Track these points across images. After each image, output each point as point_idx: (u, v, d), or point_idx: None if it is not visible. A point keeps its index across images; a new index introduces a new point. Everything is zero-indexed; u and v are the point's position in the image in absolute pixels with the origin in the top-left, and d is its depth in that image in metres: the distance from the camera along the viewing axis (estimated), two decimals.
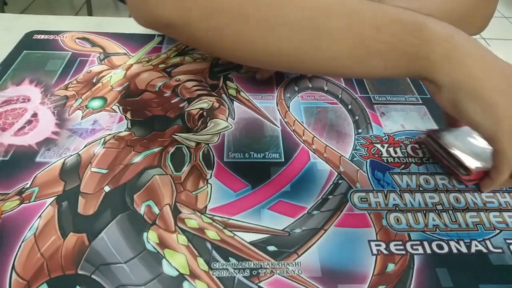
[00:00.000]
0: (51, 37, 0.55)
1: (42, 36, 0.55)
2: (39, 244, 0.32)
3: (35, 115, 0.43)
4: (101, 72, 0.49)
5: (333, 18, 0.28)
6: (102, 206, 0.34)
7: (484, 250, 0.34)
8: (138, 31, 0.56)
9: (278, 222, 0.34)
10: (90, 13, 1.81)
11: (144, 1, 0.27)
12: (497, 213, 0.36)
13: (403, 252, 0.33)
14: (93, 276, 0.30)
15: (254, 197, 0.36)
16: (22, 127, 0.42)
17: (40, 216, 0.33)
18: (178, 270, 0.31)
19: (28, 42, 0.54)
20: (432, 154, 0.41)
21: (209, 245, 0.32)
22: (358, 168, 0.40)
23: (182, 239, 0.33)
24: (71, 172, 0.37)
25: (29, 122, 0.42)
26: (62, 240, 0.32)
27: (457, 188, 0.39)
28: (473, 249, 0.34)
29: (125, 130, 0.42)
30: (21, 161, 0.38)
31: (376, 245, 0.33)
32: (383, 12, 0.29)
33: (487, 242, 0.34)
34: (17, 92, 0.46)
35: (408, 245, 0.33)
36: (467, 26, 0.37)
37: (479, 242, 0.34)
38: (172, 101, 0.46)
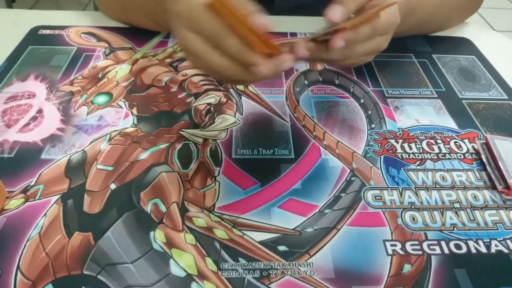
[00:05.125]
0: (56, 32, 0.54)
1: (47, 31, 0.54)
2: (44, 244, 0.31)
3: (40, 111, 0.42)
4: (107, 67, 0.49)
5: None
6: (108, 204, 0.34)
7: (505, 251, 0.32)
8: None
9: (289, 221, 0.33)
10: (96, 9, 1.80)
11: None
12: None
13: (420, 252, 0.32)
14: (99, 277, 0.29)
15: (263, 195, 0.35)
16: (27, 124, 0.41)
17: (45, 214, 0.33)
18: (186, 271, 0.30)
19: (33, 37, 0.53)
20: (481, 160, 0.39)
21: (217, 245, 0.31)
22: (372, 165, 0.38)
23: (190, 238, 0.32)
24: (77, 169, 0.36)
25: (34, 118, 0.42)
26: (67, 239, 0.31)
27: (475, 185, 0.37)
28: (493, 249, 0.32)
29: (131, 126, 0.41)
30: (26, 158, 0.37)
31: (392, 245, 0.32)
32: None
33: (508, 242, 0.33)
34: (22, 88, 0.45)
35: (424, 245, 0.32)
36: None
37: (499, 242, 0.33)
38: (179, 96, 0.45)
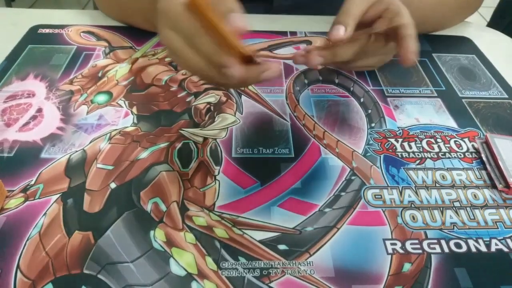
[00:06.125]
0: (56, 31, 0.54)
1: (47, 30, 0.54)
2: (44, 243, 0.31)
3: (40, 110, 0.42)
4: (107, 66, 0.49)
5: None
6: (108, 204, 0.34)
7: (505, 250, 0.32)
8: None
9: (289, 220, 0.33)
10: (96, 8, 1.80)
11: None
12: None
13: (420, 251, 0.32)
14: (99, 276, 0.29)
15: (263, 194, 0.35)
16: (27, 123, 0.41)
17: (45, 213, 0.33)
18: (186, 270, 0.30)
19: (33, 36, 0.53)
20: (481, 159, 0.39)
21: (217, 244, 0.31)
22: (372, 164, 0.38)
23: (190, 237, 0.32)
24: (77, 168, 0.36)
25: (34, 117, 0.42)
26: (67, 239, 0.31)
27: (475, 184, 0.37)
28: (493, 248, 0.32)
29: (131, 125, 0.41)
30: (26, 157, 0.37)
31: (392, 244, 0.32)
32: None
33: (508, 240, 0.33)
34: (22, 87, 0.45)
35: (424, 243, 0.32)
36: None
37: (499, 241, 0.33)
38: (179, 95, 0.45)
